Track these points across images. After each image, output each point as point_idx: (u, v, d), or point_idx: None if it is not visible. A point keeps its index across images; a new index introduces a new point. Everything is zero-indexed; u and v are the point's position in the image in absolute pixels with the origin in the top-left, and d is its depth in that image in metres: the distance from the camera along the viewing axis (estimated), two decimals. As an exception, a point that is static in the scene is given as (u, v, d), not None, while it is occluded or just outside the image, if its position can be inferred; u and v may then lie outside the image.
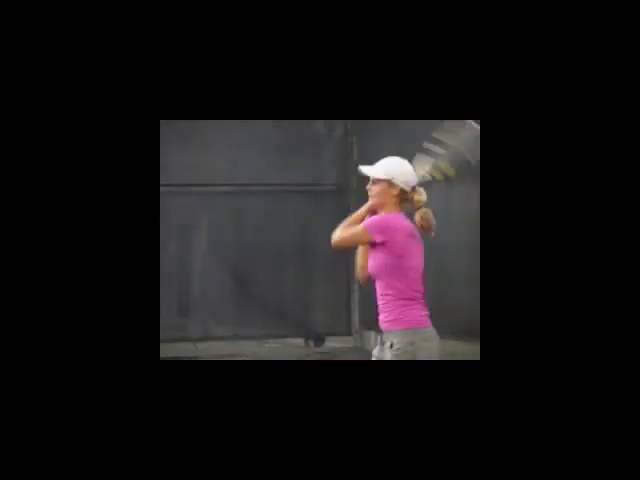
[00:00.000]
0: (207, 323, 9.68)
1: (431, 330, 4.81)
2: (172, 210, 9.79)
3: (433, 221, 4.83)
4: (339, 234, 4.76)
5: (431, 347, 4.78)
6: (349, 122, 10.64)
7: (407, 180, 4.79)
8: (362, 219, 4.82)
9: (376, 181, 4.81)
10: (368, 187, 4.86)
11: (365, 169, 4.83)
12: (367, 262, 4.82)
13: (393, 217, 4.78)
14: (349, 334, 9.67)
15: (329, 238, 4.85)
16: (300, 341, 9.35)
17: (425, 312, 4.82)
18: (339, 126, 10.74)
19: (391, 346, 4.74)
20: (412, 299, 4.76)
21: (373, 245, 4.75)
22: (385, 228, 4.71)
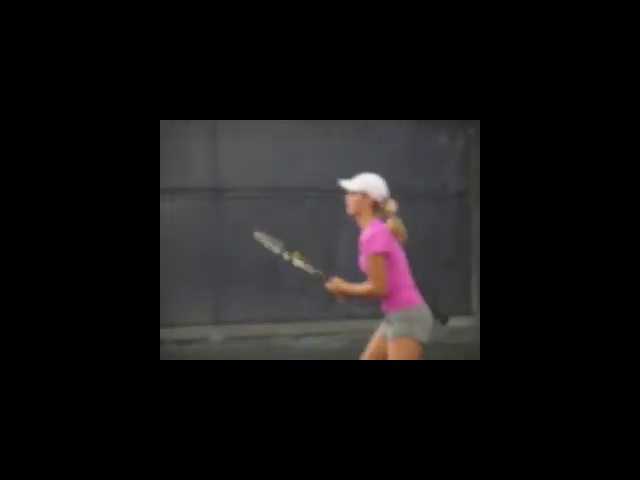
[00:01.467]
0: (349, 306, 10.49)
1: (421, 305, 5.43)
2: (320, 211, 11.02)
3: (403, 228, 5.50)
4: (376, 288, 5.37)
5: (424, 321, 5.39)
6: (469, 132, 11.76)
7: (379, 192, 5.48)
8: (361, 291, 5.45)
9: (352, 193, 5.52)
10: (347, 197, 5.56)
11: (343, 183, 5.54)
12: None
13: (373, 227, 5.43)
14: (469, 314, 10.87)
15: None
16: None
17: (415, 292, 5.46)
18: (460, 137, 11.87)
19: (391, 323, 5.39)
20: (404, 285, 5.44)
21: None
22: (380, 239, 5.39)
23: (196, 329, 10.70)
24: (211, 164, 10.93)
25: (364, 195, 5.46)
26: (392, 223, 5.46)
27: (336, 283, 5.49)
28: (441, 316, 5.44)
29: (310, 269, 5.65)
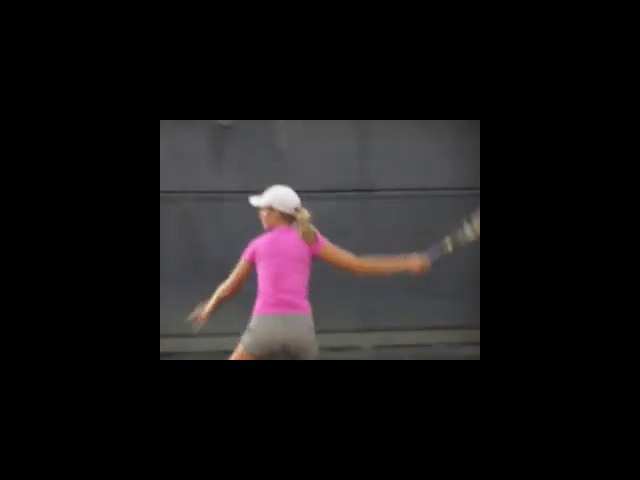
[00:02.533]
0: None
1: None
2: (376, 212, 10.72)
3: (312, 233, 5.67)
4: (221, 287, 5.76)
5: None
6: None
7: (284, 204, 5.72)
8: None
9: (261, 208, 5.77)
10: (260, 213, 5.80)
11: (252, 200, 5.79)
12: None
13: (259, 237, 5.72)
14: None
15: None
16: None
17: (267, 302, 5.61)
18: None
19: None
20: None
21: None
22: (251, 245, 5.73)
23: (346, 336, 10.29)
24: (359, 164, 10.77)
25: (271, 209, 5.70)
26: (301, 232, 5.64)
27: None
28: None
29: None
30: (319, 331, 5.44)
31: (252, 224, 5.97)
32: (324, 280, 10.20)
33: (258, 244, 5.65)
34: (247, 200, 5.80)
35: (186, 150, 10.43)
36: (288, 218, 5.70)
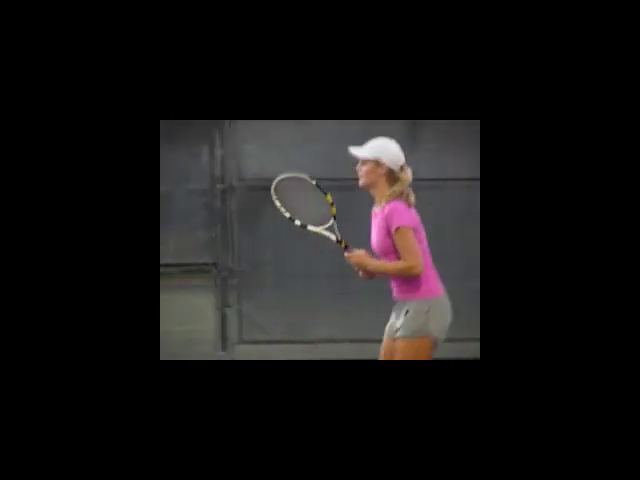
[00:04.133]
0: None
1: (444, 298, 5.06)
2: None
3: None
4: (413, 265, 4.96)
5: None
6: None
7: (393, 160, 5.00)
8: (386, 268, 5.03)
9: (364, 161, 5.03)
10: (357, 167, 5.07)
11: (353, 150, 5.04)
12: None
13: (396, 204, 4.99)
14: None
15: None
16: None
17: (439, 281, 5.08)
18: None
19: (406, 313, 5.00)
20: (429, 272, 5.04)
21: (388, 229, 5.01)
22: (403, 214, 4.98)
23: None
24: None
25: (377, 163, 5.00)
26: (412, 198, 5.02)
27: (361, 256, 5.02)
28: None
29: (331, 234, 5.13)
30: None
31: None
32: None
33: (412, 213, 4.98)
34: None
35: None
36: (392, 178, 4.99)
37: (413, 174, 5.06)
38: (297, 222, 5.14)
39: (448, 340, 5.10)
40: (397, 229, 4.94)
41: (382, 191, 5.04)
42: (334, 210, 5.13)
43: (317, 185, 5.15)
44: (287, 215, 5.15)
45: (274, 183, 5.18)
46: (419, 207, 5.12)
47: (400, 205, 4.97)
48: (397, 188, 5.01)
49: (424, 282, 4.97)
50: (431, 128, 9.92)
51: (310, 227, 5.14)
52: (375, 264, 5.02)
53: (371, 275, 5.10)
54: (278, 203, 5.15)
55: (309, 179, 5.18)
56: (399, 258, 4.97)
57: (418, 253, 4.92)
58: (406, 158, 5.09)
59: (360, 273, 5.11)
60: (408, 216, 4.96)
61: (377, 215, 5.07)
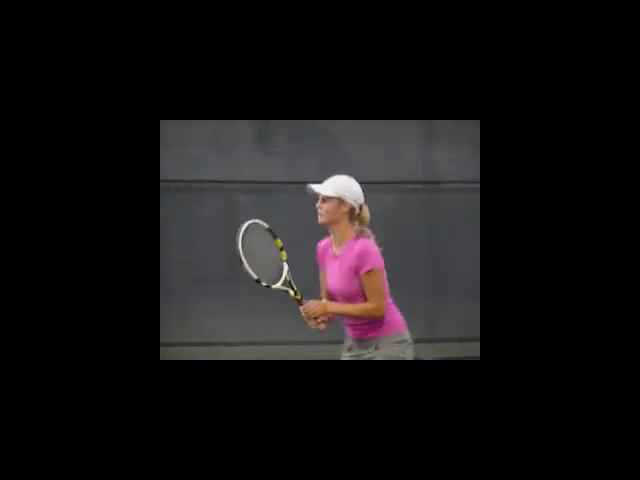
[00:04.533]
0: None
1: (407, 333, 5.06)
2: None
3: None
4: (378, 307, 4.91)
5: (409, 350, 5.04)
6: None
7: (356, 198, 4.96)
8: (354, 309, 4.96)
9: (326, 199, 4.96)
10: (318, 205, 4.99)
11: (315, 187, 4.97)
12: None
13: (366, 243, 4.95)
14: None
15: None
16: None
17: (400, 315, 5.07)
18: None
19: (376, 348, 4.99)
20: (392, 305, 5.04)
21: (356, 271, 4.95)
22: (377, 254, 4.95)
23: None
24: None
25: (340, 201, 4.95)
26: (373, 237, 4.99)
27: (320, 305, 4.92)
28: None
29: (289, 289, 4.99)
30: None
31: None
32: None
33: (378, 252, 4.94)
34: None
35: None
36: (352, 216, 4.94)
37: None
38: (263, 283, 4.95)
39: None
40: (370, 271, 4.90)
41: (344, 230, 4.98)
42: (284, 255, 5.06)
43: (269, 230, 5.05)
44: (254, 277, 4.94)
45: (238, 241, 4.95)
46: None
47: (372, 245, 4.94)
48: (358, 227, 4.99)
49: (388, 318, 4.96)
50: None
51: (274, 286, 4.98)
52: (338, 307, 4.97)
53: (331, 319, 5.01)
54: (247, 265, 4.93)
55: (262, 223, 5.04)
56: (365, 300, 4.94)
57: (384, 295, 4.92)
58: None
59: (312, 323, 4.97)
60: (379, 257, 4.94)
61: (340, 256, 4.98)
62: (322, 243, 5.15)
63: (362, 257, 4.91)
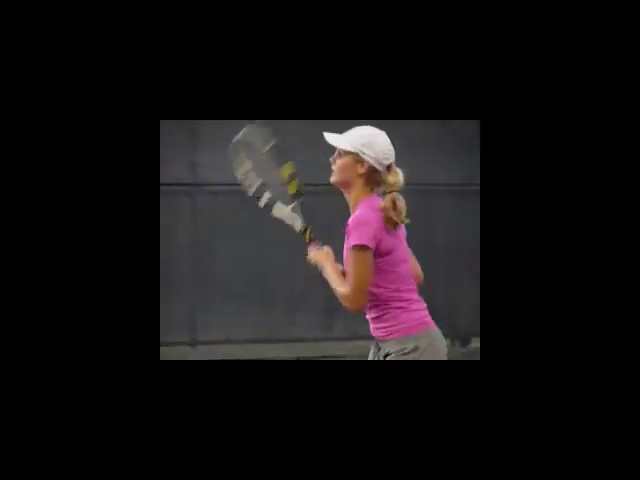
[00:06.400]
0: (354, 323, 8.71)
1: (431, 332, 4.18)
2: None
3: (403, 210, 3.97)
4: (351, 296, 3.92)
5: (437, 350, 4.16)
6: None
7: (378, 156, 3.97)
8: (338, 270, 4.04)
9: (341, 153, 4.02)
10: (332, 159, 4.07)
11: (330, 137, 4.04)
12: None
13: (363, 212, 3.95)
14: None
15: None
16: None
17: (423, 311, 4.17)
18: None
19: (385, 357, 4.17)
20: (406, 299, 4.12)
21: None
22: (369, 229, 3.92)
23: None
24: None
25: (357, 158, 3.94)
26: (390, 203, 3.92)
27: (322, 254, 4.02)
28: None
29: (296, 221, 4.05)
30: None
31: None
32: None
33: (376, 226, 3.86)
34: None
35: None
36: (371, 178, 3.92)
37: None
38: (262, 201, 4.10)
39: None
40: (352, 247, 3.91)
41: (357, 195, 4.00)
42: (295, 186, 4.10)
43: (274, 147, 4.11)
44: (250, 192, 4.09)
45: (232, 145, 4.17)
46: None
47: (368, 215, 3.93)
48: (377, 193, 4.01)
49: (402, 315, 4.04)
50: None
51: (275, 210, 4.07)
52: (328, 272, 4.03)
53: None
54: (242, 170, 4.07)
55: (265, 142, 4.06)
56: (379, 284, 4.04)
57: (361, 285, 3.87)
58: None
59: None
60: (370, 232, 3.88)
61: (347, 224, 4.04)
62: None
63: (349, 228, 3.98)
